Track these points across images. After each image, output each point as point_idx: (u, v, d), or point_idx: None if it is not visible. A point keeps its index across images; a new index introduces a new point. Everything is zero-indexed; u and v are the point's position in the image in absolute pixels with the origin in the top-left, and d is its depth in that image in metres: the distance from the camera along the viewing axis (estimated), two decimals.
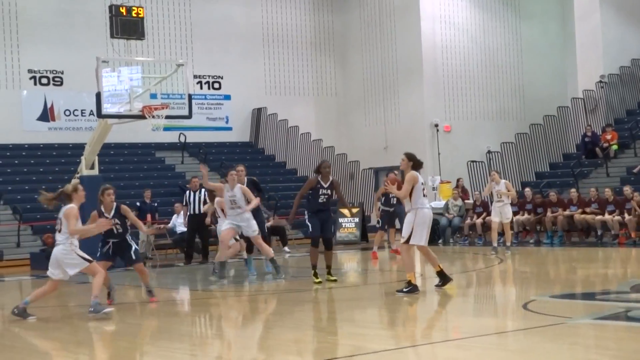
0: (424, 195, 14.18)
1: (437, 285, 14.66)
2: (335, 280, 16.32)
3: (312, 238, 16.39)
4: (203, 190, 23.24)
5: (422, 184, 14.23)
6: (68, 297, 16.45)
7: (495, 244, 21.79)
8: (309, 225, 16.31)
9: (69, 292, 17.19)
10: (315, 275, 16.14)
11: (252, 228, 16.95)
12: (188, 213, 22.93)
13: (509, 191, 21.70)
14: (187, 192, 23.07)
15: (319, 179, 16.21)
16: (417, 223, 14.03)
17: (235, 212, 16.88)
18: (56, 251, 12.87)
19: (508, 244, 21.85)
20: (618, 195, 24.27)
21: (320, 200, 16.20)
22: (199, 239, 23.44)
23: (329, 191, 16.27)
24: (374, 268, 20.58)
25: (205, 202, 22.79)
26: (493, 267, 18.53)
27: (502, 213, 21.59)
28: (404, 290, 14.12)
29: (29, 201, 27.00)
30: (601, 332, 10.36)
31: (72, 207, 13.05)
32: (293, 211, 16.84)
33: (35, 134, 30.60)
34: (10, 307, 14.21)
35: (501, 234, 21.95)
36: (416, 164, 14.41)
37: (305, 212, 16.50)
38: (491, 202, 22.75)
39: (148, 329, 12.39)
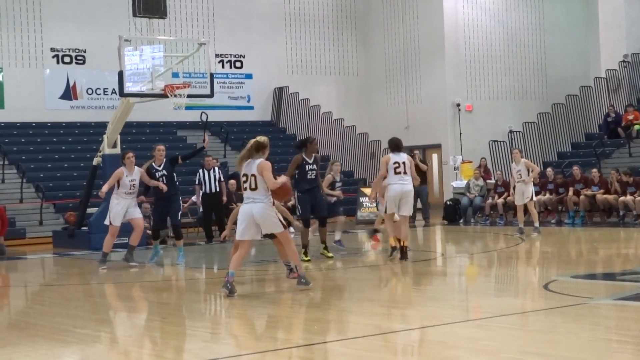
0: (395, 173, 15.86)
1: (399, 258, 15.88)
2: (331, 257, 16.74)
3: (303, 220, 16.59)
4: (217, 168, 23.33)
5: (395, 162, 15.88)
6: (90, 275, 16.55)
7: (521, 226, 21.36)
8: (299, 206, 16.53)
9: (91, 269, 17.30)
10: (305, 253, 16.44)
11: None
12: (202, 192, 22.89)
13: (530, 171, 21.13)
14: (201, 170, 23.03)
15: (304, 155, 16.39)
16: (388, 197, 15.91)
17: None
18: (255, 209, 12.19)
19: (536, 224, 21.32)
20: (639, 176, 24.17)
21: (309, 177, 16.37)
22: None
23: (314, 166, 16.44)
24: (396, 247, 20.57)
25: (220, 181, 22.87)
26: (514, 247, 18.50)
27: (523, 192, 21.13)
28: (389, 257, 16.20)
29: (51, 179, 27.18)
30: (622, 313, 10.34)
31: (266, 162, 12.25)
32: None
33: (58, 113, 30.71)
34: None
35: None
36: (391, 147, 16.28)
37: (295, 192, 16.45)
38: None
39: (169, 307, 12.45)
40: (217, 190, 22.78)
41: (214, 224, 23.33)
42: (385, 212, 16.13)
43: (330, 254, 16.86)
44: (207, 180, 22.72)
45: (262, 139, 12.31)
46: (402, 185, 15.89)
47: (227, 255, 19.93)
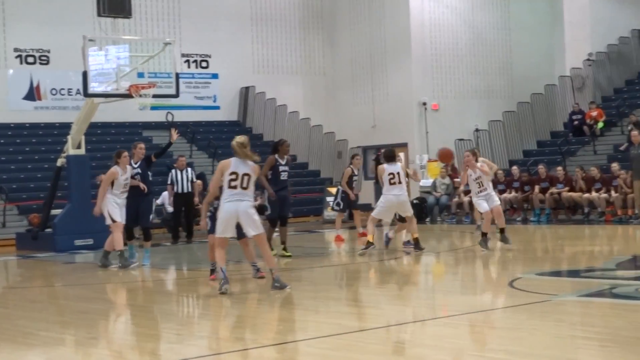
0: (390, 184, 16.92)
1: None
2: (290, 256, 17.09)
3: (270, 220, 17.06)
4: (190, 169, 23.28)
5: (390, 174, 16.90)
6: (54, 277, 16.44)
7: (479, 223, 20.46)
8: (268, 206, 17.02)
9: (55, 271, 17.18)
10: (285, 249, 17.12)
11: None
12: (174, 192, 22.82)
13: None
14: (173, 170, 22.94)
15: (277, 157, 16.95)
16: (382, 206, 17.16)
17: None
18: (241, 207, 12.26)
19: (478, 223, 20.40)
20: (605, 173, 24.33)
21: (281, 178, 16.96)
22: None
23: (287, 168, 17.10)
24: (360, 247, 20.60)
25: (192, 181, 22.81)
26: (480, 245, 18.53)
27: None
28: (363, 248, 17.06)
29: (15, 181, 26.97)
30: (586, 309, 10.40)
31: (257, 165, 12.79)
32: (268, 188, 17.01)
33: (22, 113, 30.43)
34: None
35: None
36: (386, 158, 17.21)
37: (266, 192, 17.03)
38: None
39: (135, 309, 12.38)
40: (190, 190, 22.77)
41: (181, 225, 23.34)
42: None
43: (289, 254, 17.16)
44: (180, 180, 22.69)
45: (243, 139, 12.56)
46: (397, 197, 16.99)
47: (194, 256, 19.91)
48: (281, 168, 16.96)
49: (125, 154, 16.77)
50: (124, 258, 16.38)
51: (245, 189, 12.29)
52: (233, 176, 12.26)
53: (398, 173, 16.94)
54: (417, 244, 17.14)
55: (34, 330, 10.34)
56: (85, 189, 21.70)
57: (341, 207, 21.59)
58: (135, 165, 17.13)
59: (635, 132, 23.12)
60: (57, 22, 30.69)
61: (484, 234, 16.84)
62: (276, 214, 16.96)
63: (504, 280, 13.21)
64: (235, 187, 12.24)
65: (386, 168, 16.97)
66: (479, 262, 16.14)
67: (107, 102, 21.88)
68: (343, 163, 32.84)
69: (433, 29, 33.38)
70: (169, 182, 22.98)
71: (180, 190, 22.70)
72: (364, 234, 18.89)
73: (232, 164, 12.36)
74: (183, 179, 22.65)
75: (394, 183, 16.90)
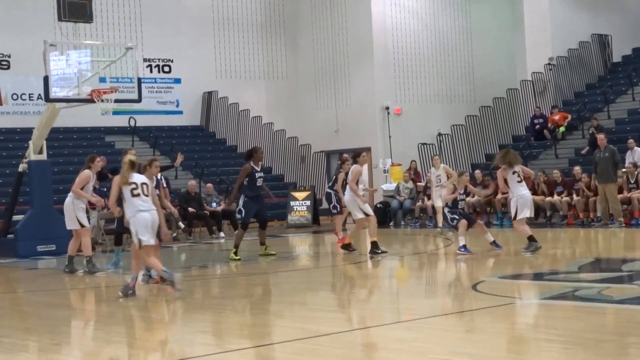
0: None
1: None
2: (274, 254, 17.86)
3: (244, 223, 17.62)
4: (160, 175, 23.25)
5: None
6: (17, 284, 16.31)
7: (440, 226, 22.66)
8: (243, 210, 17.58)
9: (17, 278, 17.05)
10: (236, 253, 17.45)
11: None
12: None
13: (449, 176, 21.61)
14: None
15: (252, 163, 17.54)
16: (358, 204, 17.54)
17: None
18: (154, 215, 12.81)
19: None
20: (566, 176, 24.51)
21: (258, 184, 17.61)
22: None
23: (262, 174, 17.75)
24: (326, 251, 20.61)
25: (163, 187, 22.79)
26: (444, 249, 18.63)
27: (442, 196, 21.11)
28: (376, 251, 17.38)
29: None
30: (549, 312, 10.47)
31: None
32: (234, 195, 18.18)
33: None
34: None
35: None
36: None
37: (242, 197, 17.56)
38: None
39: (98, 315, 12.31)
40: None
41: None
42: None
43: (274, 252, 18.04)
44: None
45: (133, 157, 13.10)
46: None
47: (168, 260, 19.83)
48: (257, 175, 17.56)
49: (99, 159, 16.83)
50: (91, 264, 16.30)
51: (147, 196, 12.84)
52: (134, 186, 12.75)
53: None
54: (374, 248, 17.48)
55: None
56: (47, 195, 21.52)
57: (338, 210, 21.59)
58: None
59: (601, 136, 23.25)
60: (18, 27, 30.48)
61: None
62: (249, 218, 17.49)
63: (468, 283, 13.28)
64: (139, 195, 12.74)
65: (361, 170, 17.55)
66: (442, 266, 16.21)
67: (69, 107, 21.74)
68: (306, 167, 32.91)
69: (395, 34, 33.48)
70: None
71: None
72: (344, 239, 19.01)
73: (130, 177, 12.82)
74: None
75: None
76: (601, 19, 33.31)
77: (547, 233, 22.06)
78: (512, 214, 16.49)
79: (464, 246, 16.61)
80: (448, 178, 21.77)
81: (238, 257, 17.41)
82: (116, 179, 12.90)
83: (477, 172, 26.43)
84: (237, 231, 18.49)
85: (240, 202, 17.66)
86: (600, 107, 29.84)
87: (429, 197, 26.14)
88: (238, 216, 17.97)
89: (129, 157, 12.97)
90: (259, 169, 17.70)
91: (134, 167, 12.91)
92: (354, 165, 17.72)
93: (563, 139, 29.07)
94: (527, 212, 16.35)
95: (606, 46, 33.39)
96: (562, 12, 32.52)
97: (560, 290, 11.94)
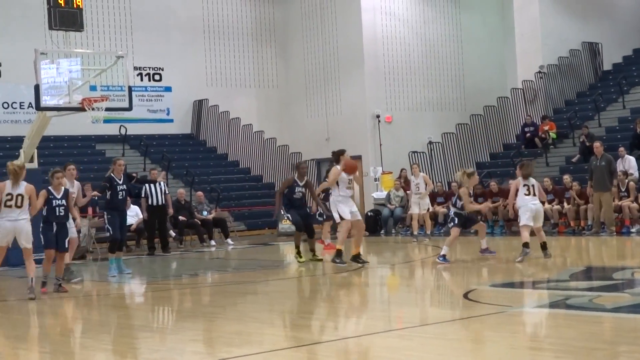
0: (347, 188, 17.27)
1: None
2: (321, 260, 18.28)
3: (295, 224, 18.37)
4: (162, 182, 23.62)
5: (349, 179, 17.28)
6: (7, 292, 16.27)
7: (415, 233, 23.86)
8: (289, 215, 18.45)
9: (9, 286, 17.00)
10: (299, 254, 18.23)
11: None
12: (148, 204, 23.29)
13: (427, 185, 23.91)
14: (147, 184, 23.35)
15: (295, 177, 18.30)
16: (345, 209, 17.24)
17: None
18: (23, 225, 14.16)
19: (428, 232, 24.29)
20: (557, 184, 24.54)
21: (295, 196, 18.14)
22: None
23: (303, 189, 18.33)
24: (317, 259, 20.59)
25: (165, 193, 23.19)
26: (434, 257, 18.60)
27: (420, 204, 23.92)
28: (336, 260, 17.13)
29: None
30: (541, 320, 10.47)
31: (32, 186, 14.48)
32: (277, 205, 19.06)
33: None
34: None
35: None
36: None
37: (283, 207, 18.52)
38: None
39: (89, 323, 12.28)
40: (163, 202, 23.39)
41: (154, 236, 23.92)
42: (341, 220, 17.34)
43: (320, 257, 18.61)
44: (154, 192, 23.01)
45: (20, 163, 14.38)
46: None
47: (159, 268, 19.84)
48: (297, 188, 18.25)
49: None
50: (69, 272, 16.40)
51: (19, 207, 14.02)
52: (9, 197, 13.93)
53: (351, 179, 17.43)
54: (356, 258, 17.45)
55: None
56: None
57: (324, 217, 21.64)
58: (120, 182, 17.55)
59: (597, 144, 23.20)
60: (8, 35, 30.46)
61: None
62: (298, 219, 18.17)
63: (459, 291, 13.27)
64: (11, 207, 13.93)
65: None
66: (433, 274, 16.20)
67: (60, 115, 21.71)
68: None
69: (385, 42, 33.52)
70: (142, 195, 23.19)
71: (154, 203, 23.26)
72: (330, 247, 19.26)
73: (7, 187, 14.03)
74: (157, 191, 23.01)
75: (350, 188, 17.41)
76: (591, 27, 33.40)
77: (538, 241, 22.06)
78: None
79: (444, 256, 16.79)
80: (426, 187, 23.83)
81: (302, 259, 18.14)
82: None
83: None
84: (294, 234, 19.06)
85: (283, 210, 18.79)
86: (591, 115, 29.90)
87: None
88: (288, 222, 18.90)
89: (10, 166, 14.01)
90: (301, 184, 18.31)
91: (17, 176, 13.99)
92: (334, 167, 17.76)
93: (554, 147, 29.09)
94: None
95: (597, 54, 33.47)
96: (553, 20, 32.59)
97: (552, 299, 11.95)
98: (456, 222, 17.07)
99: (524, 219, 16.87)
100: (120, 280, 16.93)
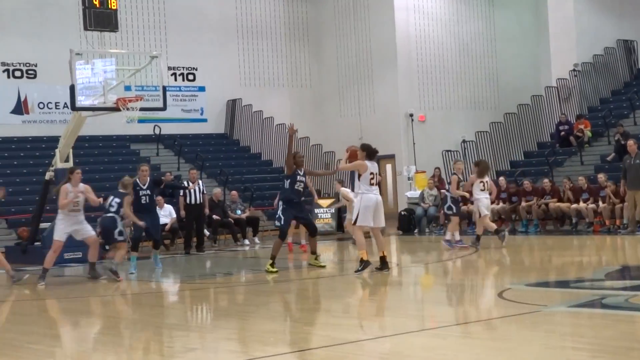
0: (370, 185, 15.27)
1: (376, 268, 15.42)
2: (324, 267, 16.91)
3: (282, 231, 16.63)
4: (200, 181, 23.82)
5: (372, 173, 15.32)
6: (44, 291, 16.38)
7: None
8: (282, 217, 16.52)
9: (45, 284, 17.11)
10: (272, 265, 16.28)
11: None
12: (186, 203, 23.44)
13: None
14: (186, 182, 23.76)
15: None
16: (362, 206, 15.23)
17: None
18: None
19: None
20: (592, 183, 24.39)
21: (297, 187, 16.62)
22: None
23: (304, 178, 16.93)
24: (350, 259, 20.58)
25: (203, 193, 23.40)
26: (468, 256, 18.57)
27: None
28: (359, 269, 15.31)
29: None
30: (576, 320, 10.41)
31: None
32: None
33: (9, 127, 30.41)
34: None
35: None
36: (370, 154, 15.62)
37: (280, 203, 16.75)
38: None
39: (126, 321, 12.35)
40: (200, 201, 23.43)
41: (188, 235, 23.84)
42: (355, 223, 15.40)
43: (323, 264, 17.10)
44: (192, 191, 23.21)
45: None
46: (376, 196, 15.41)
47: (193, 267, 19.95)
48: (298, 178, 16.64)
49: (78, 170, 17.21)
50: (94, 270, 17.05)
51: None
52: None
53: (377, 173, 15.43)
54: (384, 263, 15.56)
55: (24, 344, 10.31)
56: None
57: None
58: (144, 187, 18.15)
59: (631, 142, 22.97)
60: (44, 36, 30.71)
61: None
62: (287, 226, 16.94)
63: (493, 291, 13.23)
64: None
65: (368, 166, 15.44)
66: (467, 273, 16.16)
67: (95, 115, 21.84)
68: (330, 175, 32.82)
69: (419, 41, 33.48)
70: (181, 193, 23.56)
71: (192, 202, 23.37)
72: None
73: None
74: (195, 190, 23.16)
75: (374, 184, 15.39)
76: (626, 25, 33.16)
77: (573, 240, 21.99)
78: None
79: (449, 240, 19.86)
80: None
81: (275, 270, 16.22)
82: None
83: (502, 179, 26.29)
84: (274, 241, 16.83)
85: (279, 209, 16.67)
86: (626, 113, 29.70)
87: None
88: (277, 224, 16.88)
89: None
90: (301, 173, 16.69)
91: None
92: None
93: (588, 145, 28.91)
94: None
95: (632, 52, 33.24)
96: (587, 18, 32.40)
97: (587, 298, 11.89)
98: (454, 210, 20.24)
99: (484, 211, 19.60)
100: (131, 279, 17.06)
